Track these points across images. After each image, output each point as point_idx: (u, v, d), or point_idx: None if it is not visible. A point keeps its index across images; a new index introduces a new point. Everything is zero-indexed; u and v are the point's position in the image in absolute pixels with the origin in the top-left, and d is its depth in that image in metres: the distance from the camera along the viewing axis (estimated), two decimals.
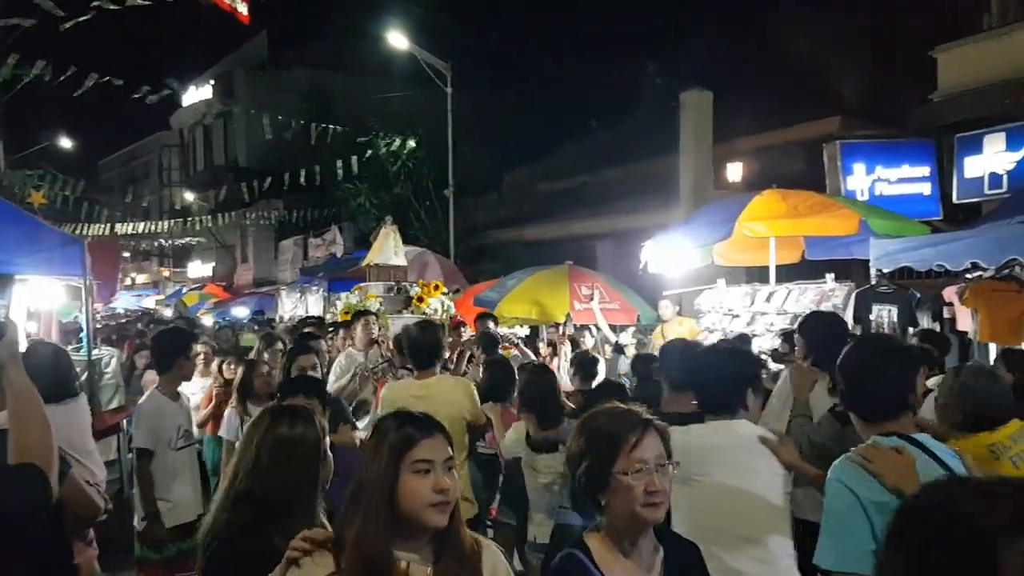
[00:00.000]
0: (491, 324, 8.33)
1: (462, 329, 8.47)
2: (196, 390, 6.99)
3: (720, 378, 3.15)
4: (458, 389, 5.02)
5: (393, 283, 9.35)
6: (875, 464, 2.31)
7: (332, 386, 6.29)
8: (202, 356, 7.20)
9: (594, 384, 5.89)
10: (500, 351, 7.58)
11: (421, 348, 5.01)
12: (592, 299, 9.50)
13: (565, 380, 7.12)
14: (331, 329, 8.66)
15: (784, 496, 3.03)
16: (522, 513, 4.91)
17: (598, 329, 9.57)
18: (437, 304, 9.14)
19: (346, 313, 8.48)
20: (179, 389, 5.17)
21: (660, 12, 25.06)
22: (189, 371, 5.18)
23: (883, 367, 2.62)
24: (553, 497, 4.60)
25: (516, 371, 5.54)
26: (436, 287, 9.32)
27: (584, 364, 6.36)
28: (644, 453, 2.13)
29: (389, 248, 9.71)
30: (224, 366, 6.91)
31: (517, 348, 8.38)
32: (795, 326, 7.80)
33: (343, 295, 9.74)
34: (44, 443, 2.41)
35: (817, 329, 4.31)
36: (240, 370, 5.79)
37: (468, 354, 6.79)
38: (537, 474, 4.64)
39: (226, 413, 5.71)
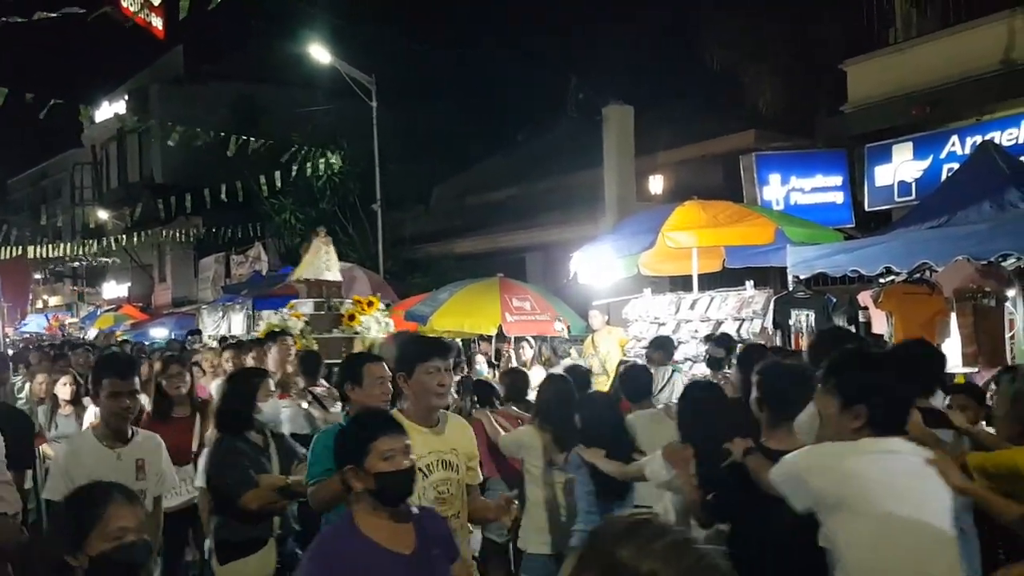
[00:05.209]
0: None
1: None
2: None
3: (896, 392, 2.81)
4: None
5: (323, 299, 8.81)
6: None
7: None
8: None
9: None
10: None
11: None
12: (524, 310, 9.48)
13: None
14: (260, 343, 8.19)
15: (954, 531, 2.67)
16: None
17: (536, 340, 9.62)
18: (372, 322, 8.63)
19: (266, 333, 7.98)
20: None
21: (582, 28, 25.48)
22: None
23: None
24: (563, 507, 4.74)
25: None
26: (371, 303, 8.75)
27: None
28: None
29: (321, 261, 9.18)
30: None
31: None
32: (718, 332, 8.03)
33: (265, 313, 9.19)
34: None
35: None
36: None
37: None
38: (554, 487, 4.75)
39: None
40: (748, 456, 3.25)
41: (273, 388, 4.56)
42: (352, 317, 8.55)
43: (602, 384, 8.08)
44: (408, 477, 2.63)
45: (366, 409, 3.18)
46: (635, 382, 5.49)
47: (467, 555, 2.67)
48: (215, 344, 11.91)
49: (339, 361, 5.37)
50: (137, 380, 4.08)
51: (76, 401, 7.06)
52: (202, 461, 4.51)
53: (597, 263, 9.41)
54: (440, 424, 3.37)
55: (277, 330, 7.73)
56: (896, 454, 2.67)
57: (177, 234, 26.37)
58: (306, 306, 8.80)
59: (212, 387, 6.82)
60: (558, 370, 6.75)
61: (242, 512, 3.98)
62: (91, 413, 6.56)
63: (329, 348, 7.83)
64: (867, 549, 2.57)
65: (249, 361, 6.97)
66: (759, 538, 3.17)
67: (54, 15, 9.84)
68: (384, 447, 2.60)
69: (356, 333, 8.42)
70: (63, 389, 7.13)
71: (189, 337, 14.92)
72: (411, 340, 4.27)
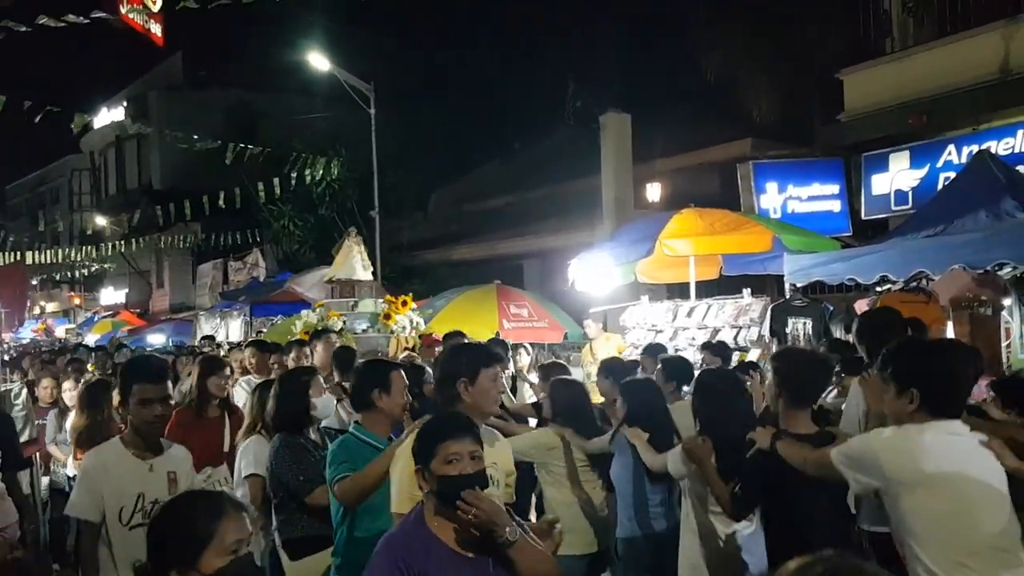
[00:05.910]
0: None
1: (436, 348, 8.00)
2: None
3: (948, 375, 2.86)
4: None
5: (356, 299, 8.70)
6: None
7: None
8: None
9: None
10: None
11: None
12: (521, 317, 9.44)
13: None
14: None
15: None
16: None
17: (533, 346, 9.62)
18: (406, 321, 8.53)
19: (306, 333, 7.89)
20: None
21: (580, 36, 25.55)
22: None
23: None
24: (596, 504, 4.81)
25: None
26: (405, 303, 8.63)
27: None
28: None
29: (354, 261, 9.06)
30: None
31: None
32: (715, 339, 8.04)
33: (303, 313, 9.07)
34: None
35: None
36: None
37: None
38: (582, 484, 4.80)
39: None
40: (778, 440, 3.27)
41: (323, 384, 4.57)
42: (388, 316, 8.45)
43: None
44: (470, 482, 2.56)
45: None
46: (680, 369, 5.49)
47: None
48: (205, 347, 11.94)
49: None
50: (169, 384, 3.76)
51: None
52: (247, 456, 4.55)
53: (595, 270, 9.42)
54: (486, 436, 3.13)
55: (320, 328, 7.66)
56: (957, 435, 2.74)
57: (175, 240, 26.40)
58: (339, 306, 8.71)
59: (237, 388, 6.78)
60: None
61: (312, 508, 3.96)
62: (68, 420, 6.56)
63: (365, 347, 7.81)
64: (949, 524, 2.63)
65: (290, 362, 6.88)
66: (791, 523, 3.23)
67: (55, 24, 9.88)
68: (450, 451, 2.58)
69: (391, 332, 8.38)
70: (68, 394, 7.12)
71: (202, 341, 14.85)
72: (472, 346, 4.19)
